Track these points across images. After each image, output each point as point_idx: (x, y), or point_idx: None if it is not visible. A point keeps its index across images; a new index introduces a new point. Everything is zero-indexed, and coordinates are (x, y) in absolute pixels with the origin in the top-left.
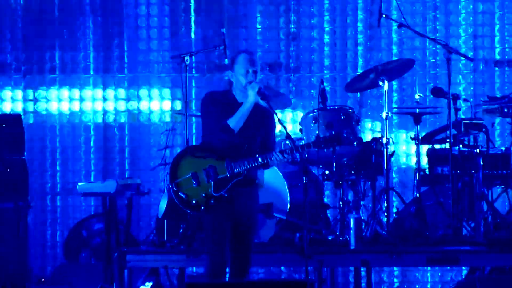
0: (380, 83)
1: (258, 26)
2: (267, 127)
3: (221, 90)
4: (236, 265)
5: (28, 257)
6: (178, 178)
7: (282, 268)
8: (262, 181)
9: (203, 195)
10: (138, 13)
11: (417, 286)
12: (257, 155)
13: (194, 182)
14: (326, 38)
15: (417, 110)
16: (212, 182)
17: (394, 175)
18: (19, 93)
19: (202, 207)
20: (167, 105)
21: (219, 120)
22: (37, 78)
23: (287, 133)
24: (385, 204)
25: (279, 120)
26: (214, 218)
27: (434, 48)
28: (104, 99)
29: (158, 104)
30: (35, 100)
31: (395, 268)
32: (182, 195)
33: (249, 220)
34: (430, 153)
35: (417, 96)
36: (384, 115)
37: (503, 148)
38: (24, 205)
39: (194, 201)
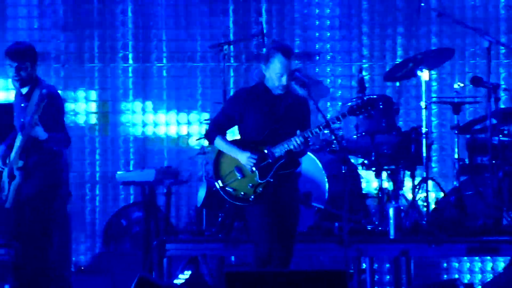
0: (419, 72)
1: (297, 14)
2: (303, 113)
3: (252, 84)
4: (279, 254)
5: (69, 245)
6: (222, 174)
7: (321, 257)
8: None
9: (250, 185)
10: (177, 2)
11: (456, 276)
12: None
13: (239, 175)
14: (365, 27)
15: (456, 100)
16: (257, 171)
17: (433, 165)
18: (59, 82)
19: (252, 197)
20: (206, 93)
21: (221, 122)
22: (76, 67)
23: (326, 121)
24: (425, 194)
25: (318, 108)
26: (262, 207)
27: (473, 37)
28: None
29: (197, 92)
30: (75, 89)
31: (434, 258)
32: (229, 189)
33: (293, 207)
34: (469, 142)
35: (456, 86)
36: (423, 104)
37: None
38: (64, 193)
39: (242, 193)
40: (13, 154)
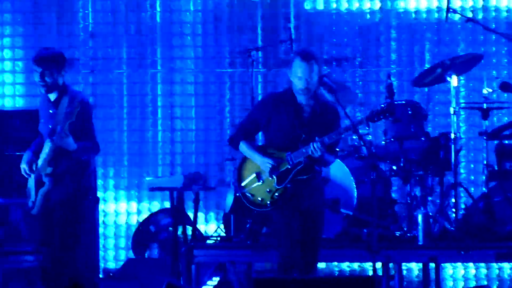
0: (448, 78)
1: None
2: (330, 120)
3: (281, 90)
4: (304, 261)
5: (97, 251)
6: (243, 179)
7: (349, 263)
8: (328, 175)
9: (268, 190)
10: (205, 8)
11: (485, 282)
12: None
13: (259, 180)
14: (393, 32)
15: (485, 105)
16: (275, 176)
17: (462, 171)
18: (87, 89)
19: (268, 202)
20: (235, 99)
21: (247, 127)
22: (104, 73)
23: (353, 126)
24: (453, 200)
25: (345, 113)
26: (282, 213)
27: (502, 43)
28: (171, 94)
29: (226, 98)
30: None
31: (463, 264)
32: (248, 195)
33: (315, 213)
34: (498, 148)
35: (485, 91)
36: (451, 110)
37: None
38: (93, 199)
39: (260, 199)
40: (41, 161)
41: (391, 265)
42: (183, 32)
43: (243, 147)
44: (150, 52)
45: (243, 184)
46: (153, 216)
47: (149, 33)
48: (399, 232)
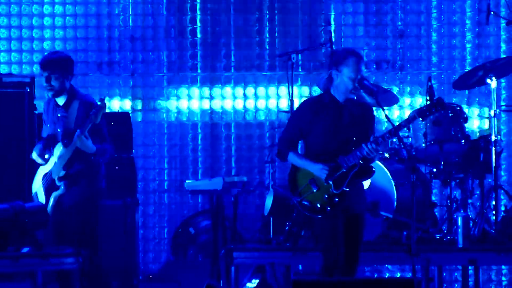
0: (488, 80)
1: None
2: (367, 120)
3: (317, 95)
4: (346, 263)
5: (137, 253)
6: (298, 189)
7: (389, 266)
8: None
9: (326, 196)
10: (246, 11)
11: None
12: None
13: (314, 188)
14: (434, 35)
15: None
16: (331, 182)
17: (502, 173)
18: (128, 91)
19: (328, 208)
20: (273, 103)
21: (291, 137)
22: (145, 77)
23: (394, 128)
24: (493, 202)
25: (386, 116)
26: (329, 216)
27: None
28: (211, 98)
29: (264, 102)
30: (144, 99)
31: (503, 267)
32: (305, 203)
33: (358, 216)
34: None
35: None
36: (492, 112)
37: None
38: (132, 202)
39: (319, 205)
40: (52, 165)
41: (430, 267)
42: (224, 35)
43: (292, 157)
44: (190, 56)
45: (298, 193)
46: (192, 219)
47: (190, 35)
48: (438, 235)
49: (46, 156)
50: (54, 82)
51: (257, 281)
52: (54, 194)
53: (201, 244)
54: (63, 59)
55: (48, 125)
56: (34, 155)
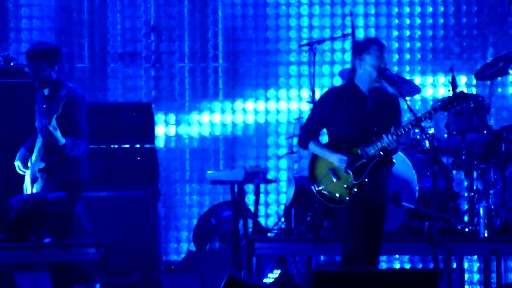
0: (510, 71)
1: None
2: (393, 111)
3: (341, 84)
4: (366, 253)
5: (159, 244)
6: (317, 178)
7: (411, 256)
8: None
9: (345, 186)
10: (266, 3)
11: None
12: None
13: (334, 177)
14: (455, 26)
15: None
16: (351, 172)
17: None
18: (150, 83)
19: (347, 199)
20: (294, 93)
21: (312, 126)
22: (166, 67)
23: (416, 119)
24: None
25: (408, 106)
26: (348, 206)
27: None
28: None
29: (285, 92)
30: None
31: None
32: (325, 192)
33: (379, 206)
34: None
35: None
36: None
37: None
38: (154, 192)
39: (338, 195)
40: (34, 157)
41: (452, 258)
42: (244, 25)
43: (313, 146)
44: (211, 46)
45: (317, 182)
46: (214, 209)
47: (211, 26)
48: (460, 225)
49: (29, 163)
50: (41, 72)
51: (279, 271)
52: (35, 186)
53: (222, 234)
54: (49, 49)
55: (37, 116)
56: (17, 162)
